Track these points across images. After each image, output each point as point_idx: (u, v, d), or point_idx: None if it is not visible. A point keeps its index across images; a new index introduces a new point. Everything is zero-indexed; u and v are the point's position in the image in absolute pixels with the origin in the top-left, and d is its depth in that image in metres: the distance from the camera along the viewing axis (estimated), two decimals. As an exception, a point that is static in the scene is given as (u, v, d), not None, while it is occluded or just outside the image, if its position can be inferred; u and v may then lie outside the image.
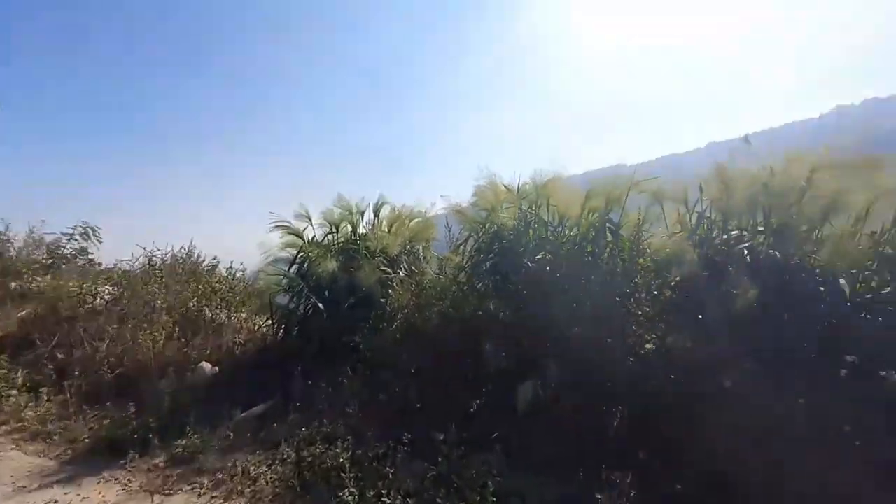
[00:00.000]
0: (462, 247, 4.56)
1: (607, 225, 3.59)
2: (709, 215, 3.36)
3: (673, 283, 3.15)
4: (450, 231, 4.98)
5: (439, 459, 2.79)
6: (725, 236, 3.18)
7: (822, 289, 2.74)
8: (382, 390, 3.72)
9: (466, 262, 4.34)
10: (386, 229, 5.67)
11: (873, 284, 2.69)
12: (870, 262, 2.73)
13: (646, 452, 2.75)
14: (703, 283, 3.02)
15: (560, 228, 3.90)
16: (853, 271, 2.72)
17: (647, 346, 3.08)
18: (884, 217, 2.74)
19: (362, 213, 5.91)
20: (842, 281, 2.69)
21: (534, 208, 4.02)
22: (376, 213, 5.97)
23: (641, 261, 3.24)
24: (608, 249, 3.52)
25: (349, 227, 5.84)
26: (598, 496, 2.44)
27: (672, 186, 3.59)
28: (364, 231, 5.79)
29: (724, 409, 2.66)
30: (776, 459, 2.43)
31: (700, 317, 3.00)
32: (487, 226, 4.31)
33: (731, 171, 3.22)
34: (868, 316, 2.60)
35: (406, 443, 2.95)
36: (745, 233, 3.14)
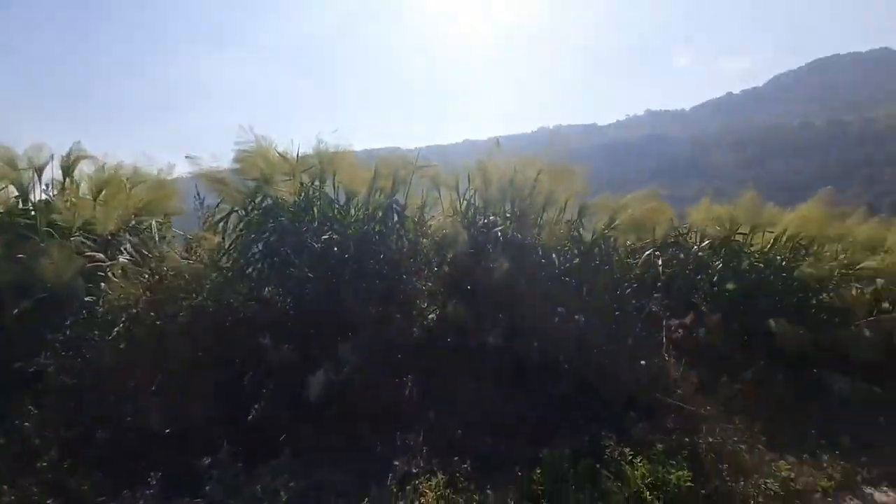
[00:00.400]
0: (223, 224, 3.66)
1: (394, 206, 3.66)
2: (474, 202, 3.93)
3: (450, 260, 3.53)
4: (202, 203, 3.91)
5: (207, 487, 2.20)
6: (486, 220, 3.83)
7: (543, 261, 3.69)
8: (101, 424, 2.57)
9: (232, 244, 3.51)
10: (90, 195, 3.92)
11: (569, 257, 3.85)
12: (567, 242, 3.87)
13: (434, 411, 3.00)
14: (471, 260, 3.53)
15: (347, 207, 3.70)
16: (559, 248, 3.79)
17: (431, 316, 3.34)
18: (574, 210, 3.93)
19: (39, 171, 3.88)
20: (553, 255, 3.70)
21: (318, 183, 3.64)
22: (68, 172, 4.04)
23: (425, 241, 3.48)
24: (396, 230, 3.60)
25: (12, 191, 3.74)
26: (396, 462, 2.54)
27: (446, 174, 3.99)
28: (46, 198, 3.83)
29: (487, 358, 3.23)
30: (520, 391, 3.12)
31: (469, 287, 3.49)
32: (259, 199, 3.62)
33: (489, 167, 3.85)
34: (567, 279, 3.70)
35: (152, 484, 2.17)
36: (498, 218, 3.86)
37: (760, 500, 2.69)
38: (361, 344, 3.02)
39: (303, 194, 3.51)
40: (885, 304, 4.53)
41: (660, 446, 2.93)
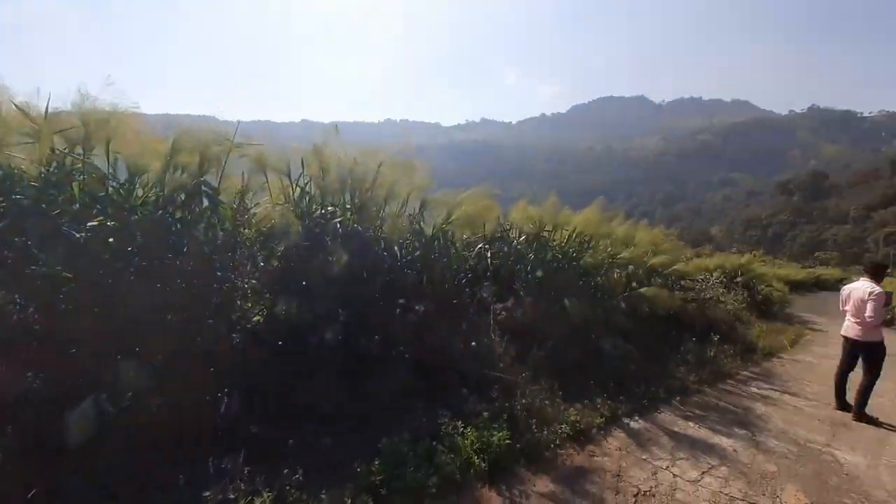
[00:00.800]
0: None
1: (203, 188, 3.00)
2: (310, 190, 3.59)
3: (280, 254, 3.13)
4: None
5: None
6: (323, 211, 3.53)
7: (385, 253, 3.65)
8: None
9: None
10: None
11: (411, 249, 3.91)
12: (409, 235, 3.92)
13: (260, 423, 2.63)
14: (307, 252, 3.22)
15: (130, 186, 2.85)
16: (401, 241, 3.81)
17: (256, 318, 2.91)
18: (416, 204, 4.01)
19: None
20: (396, 248, 3.69)
21: (81, 151, 2.70)
22: None
23: (247, 231, 2.99)
24: (206, 218, 2.97)
25: None
26: (206, 493, 2.13)
27: (275, 156, 3.52)
28: None
29: (325, 357, 3.00)
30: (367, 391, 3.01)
31: (304, 283, 3.18)
32: (-25, 168, 2.48)
33: (327, 154, 3.57)
34: (409, 271, 3.75)
35: None
36: (337, 209, 3.61)
37: (557, 442, 3.30)
38: (154, 359, 2.39)
39: (55, 164, 2.55)
40: (634, 284, 6.15)
41: (485, 414, 3.28)
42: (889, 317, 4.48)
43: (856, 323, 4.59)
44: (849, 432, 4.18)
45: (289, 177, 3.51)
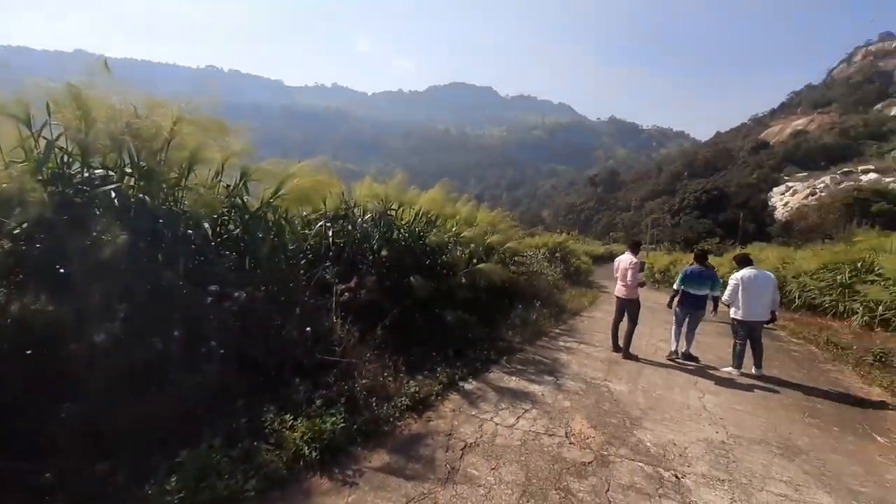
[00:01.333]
0: None
1: None
2: (65, 146, 2.65)
3: (17, 231, 2.26)
4: None
5: None
6: (88, 174, 2.67)
7: (190, 232, 3.02)
8: None
9: None
10: None
11: (230, 227, 3.32)
12: (226, 210, 3.33)
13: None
14: (63, 229, 2.41)
15: None
16: (214, 216, 3.21)
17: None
18: (235, 174, 3.40)
19: None
20: (206, 225, 3.09)
21: None
22: None
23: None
24: None
25: None
26: None
27: (7, 96, 2.50)
28: None
29: (97, 365, 2.34)
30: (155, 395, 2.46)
31: (63, 270, 2.39)
32: None
33: (89, 98, 2.67)
34: (226, 252, 3.20)
35: None
36: (111, 173, 2.77)
37: (397, 415, 3.37)
38: None
39: None
40: (475, 261, 6.71)
41: (318, 402, 3.11)
42: (643, 280, 6.01)
43: (622, 285, 6.03)
44: (619, 368, 5.47)
45: (29, 126, 2.52)
